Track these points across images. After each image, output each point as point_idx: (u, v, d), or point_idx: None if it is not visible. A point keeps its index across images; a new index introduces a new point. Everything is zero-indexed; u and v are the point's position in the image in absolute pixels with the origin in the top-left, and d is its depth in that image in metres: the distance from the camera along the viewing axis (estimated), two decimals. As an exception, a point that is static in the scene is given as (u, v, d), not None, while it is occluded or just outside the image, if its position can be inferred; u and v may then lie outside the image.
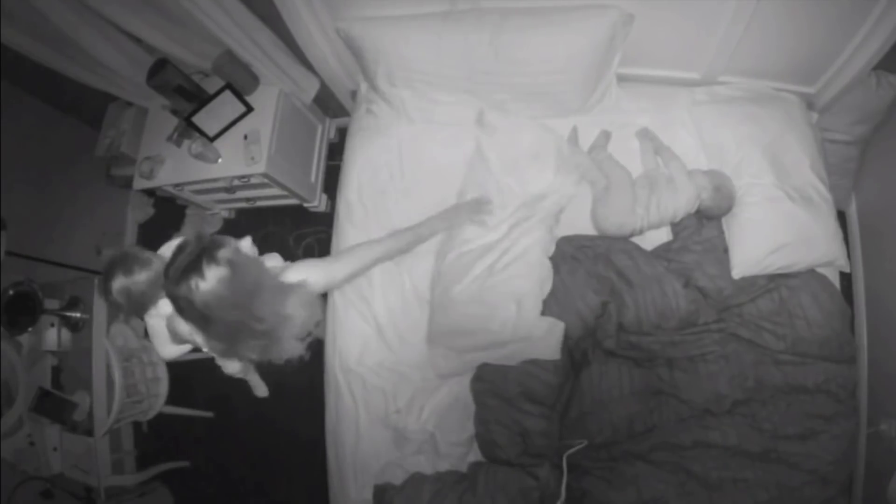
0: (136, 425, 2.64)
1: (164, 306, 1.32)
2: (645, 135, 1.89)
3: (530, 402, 1.62)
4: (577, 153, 1.90)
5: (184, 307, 1.08)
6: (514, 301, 1.67)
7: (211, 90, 2.11)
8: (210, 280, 1.05)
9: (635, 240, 1.84)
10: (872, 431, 1.85)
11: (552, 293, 1.73)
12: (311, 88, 2.28)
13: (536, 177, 1.81)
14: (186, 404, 2.46)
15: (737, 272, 1.73)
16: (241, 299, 1.09)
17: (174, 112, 2.21)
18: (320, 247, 2.63)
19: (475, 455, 1.72)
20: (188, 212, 2.87)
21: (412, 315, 1.84)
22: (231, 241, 1.14)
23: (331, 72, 2.15)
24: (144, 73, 2.06)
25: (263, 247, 2.70)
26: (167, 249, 1.51)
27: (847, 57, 1.74)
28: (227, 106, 2.11)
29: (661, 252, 1.83)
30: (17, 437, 2.03)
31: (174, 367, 2.34)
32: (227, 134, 2.15)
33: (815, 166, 1.79)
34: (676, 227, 1.88)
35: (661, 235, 1.89)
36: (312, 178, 2.51)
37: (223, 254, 1.08)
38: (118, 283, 1.40)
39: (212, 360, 2.61)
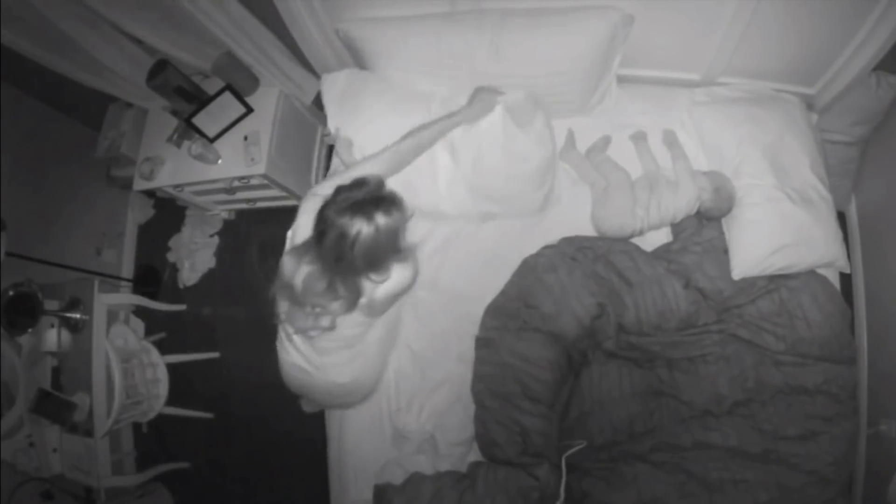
0: (136, 426, 2.63)
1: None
2: (640, 138, 1.89)
3: (529, 401, 1.62)
4: (574, 155, 1.90)
5: (332, 236, 1.15)
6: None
7: (211, 91, 2.11)
8: (372, 226, 1.14)
9: (635, 241, 1.84)
10: (873, 432, 1.85)
11: (549, 292, 1.72)
12: (311, 90, 2.28)
13: None
14: (186, 405, 2.46)
15: (737, 273, 1.73)
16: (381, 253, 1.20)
17: (174, 113, 2.21)
18: (320, 247, 2.63)
19: (475, 455, 1.72)
20: (188, 213, 2.88)
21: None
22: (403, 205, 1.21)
23: (331, 73, 2.15)
24: (144, 74, 2.06)
25: (263, 248, 2.73)
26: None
27: (847, 58, 1.74)
28: (227, 107, 2.11)
29: (662, 253, 1.84)
30: (17, 438, 2.03)
31: (174, 368, 2.35)
32: (226, 135, 2.15)
33: (814, 167, 1.79)
34: (676, 228, 1.88)
35: (662, 236, 1.89)
36: (312, 179, 2.51)
37: (394, 214, 1.17)
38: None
39: (212, 361, 2.62)
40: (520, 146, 1.72)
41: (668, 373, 1.72)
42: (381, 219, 1.14)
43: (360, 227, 1.13)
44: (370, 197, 1.16)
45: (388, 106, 1.84)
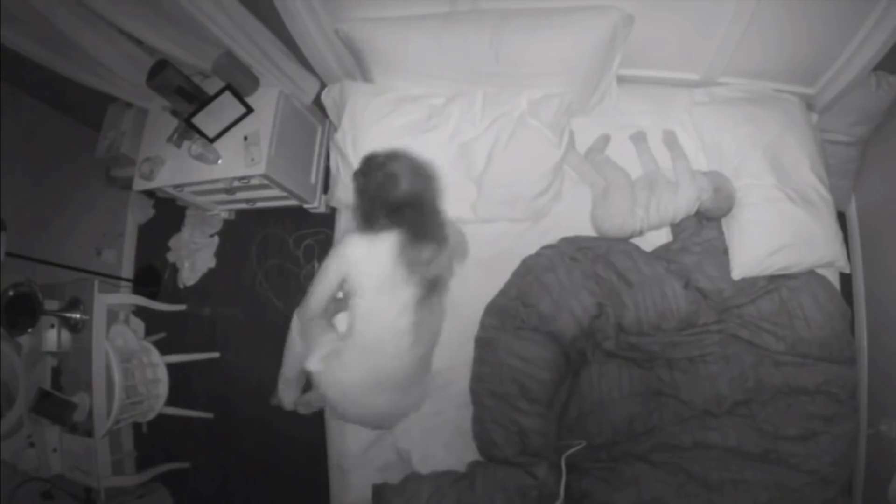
0: (136, 426, 2.64)
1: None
2: (640, 138, 1.90)
3: (527, 401, 1.62)
4: (573, 156, 1.90)
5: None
6: None
7: (211, 91, 2.11)
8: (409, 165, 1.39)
9: (635, 241, 1.84)
10: (873, 432, 1.85)
11: (548, 292, 1.73)
12: (311, 90, 2.28)
13: None
14: (186, 405, 2.46)
15: (737, 273, 1.73)
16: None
17: (174, 113, 2.21)
18: (320, 248, 2.63)
19: (473, 454, 1.71)
20: (188, 213, 2.88)
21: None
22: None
23: (330, 73, 2.15)
24: (144, 74, 2.06)
25: (263, 248, 2.73)
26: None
27: (847, 58, 1.74)
28: (227, 107, 2.11)
29: (661, 253, 1.84)
30: (17, 438, 2.03)
31: (174, 368, 2.35)
32: (226, 135, 2.15)
33: (815, 167, 1.79)
34: (676, 228, 1.88)
35: (662, 236, 1.89)
36: (312, 179, 2.51)
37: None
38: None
39: (212, 361, 2.62)
40: (535, 146, 1.73)
41: (668, 373, 1.72)
42: (418, 164, 1.38)
43: (403, 166, 1.36)
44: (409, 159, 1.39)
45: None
